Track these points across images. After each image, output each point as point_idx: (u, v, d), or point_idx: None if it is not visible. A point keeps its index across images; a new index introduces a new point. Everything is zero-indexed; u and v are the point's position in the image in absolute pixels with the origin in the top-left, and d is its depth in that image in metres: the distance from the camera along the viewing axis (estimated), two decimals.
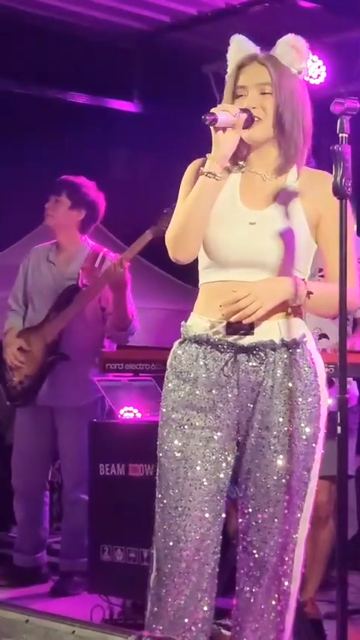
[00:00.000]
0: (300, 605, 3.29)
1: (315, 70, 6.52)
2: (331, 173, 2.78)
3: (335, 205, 2.79)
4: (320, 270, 3.62)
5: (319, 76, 6.58)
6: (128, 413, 4.87)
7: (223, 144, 2.88)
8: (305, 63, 2.98)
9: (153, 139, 7.06)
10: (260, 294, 2.83)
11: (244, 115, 2.88)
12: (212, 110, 2.84)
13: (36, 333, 5.15)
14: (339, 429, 2.74)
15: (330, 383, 3.13)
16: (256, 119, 2.91)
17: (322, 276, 3.71)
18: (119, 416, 4.86)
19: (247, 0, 6.46)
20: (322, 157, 3.29)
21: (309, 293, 2.89)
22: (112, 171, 7.66)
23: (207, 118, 2.82)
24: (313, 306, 2.97)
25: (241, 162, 3.03)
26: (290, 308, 2.92)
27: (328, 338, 4.22)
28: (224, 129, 2.86)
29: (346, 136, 2.75)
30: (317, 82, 6.53)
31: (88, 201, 5.24)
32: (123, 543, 4.41)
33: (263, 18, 6.12)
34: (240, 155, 3.01)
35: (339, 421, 2.74)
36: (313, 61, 6.51)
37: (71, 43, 6.94)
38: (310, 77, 6.38)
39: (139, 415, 4.85)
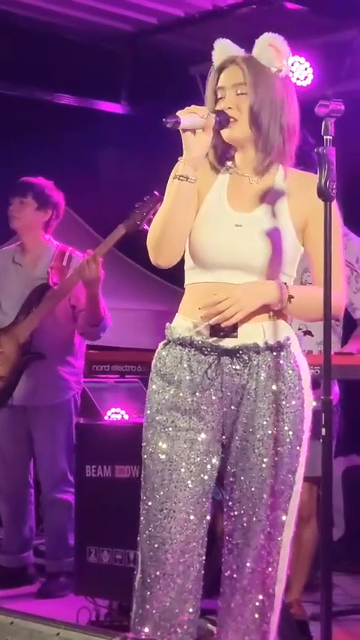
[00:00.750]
0: (286, 607, 3.29)
1: (302, 71, 6.49)
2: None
3: (322, 208, 2.78)
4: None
5: (306, 77, 6.56)
6: (116, 414, 4.88)
7: (193, 146, 2.86)
8: (286, 60, 2.95)
9: (141, 140, 7.05)
10: (240, 298, 2.83)
11: (213, 116, 2.86)
12: (177, 113, 2.81)
13: (7, 334, 5.12)
14: (323, 430, 2.74)
15: (316, 385, 3.13)
16: (231, 120, 2.91)
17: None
18: (107, 417, 4.86)
19: (234, 2, 6.46)
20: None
21: (290, 297, 2.89)
22: (101, 172, 7.66)
23: (168, 120, 2.79)
24: (295, 310, 2.96)
25: (229, 163, 3.02)
26: (272, 311, 2.92)
27: (313, 335, 4.23)
28: (194, 131, 2.84)
29: (331, 138, 2.75)
30: (304, 83, 6.51)
31: (53, 202, 5.26)
32: (109, 545, 4.41)
33: (250, 20, 6.12)
34: (228, 156, 3.01)
35: (323, 422, 2.75)
36: (301, 63, 6.49)
37: (59, 44, 6.94)
38: (298, 79, 6.37)
39: (126, 417, 4.86)
